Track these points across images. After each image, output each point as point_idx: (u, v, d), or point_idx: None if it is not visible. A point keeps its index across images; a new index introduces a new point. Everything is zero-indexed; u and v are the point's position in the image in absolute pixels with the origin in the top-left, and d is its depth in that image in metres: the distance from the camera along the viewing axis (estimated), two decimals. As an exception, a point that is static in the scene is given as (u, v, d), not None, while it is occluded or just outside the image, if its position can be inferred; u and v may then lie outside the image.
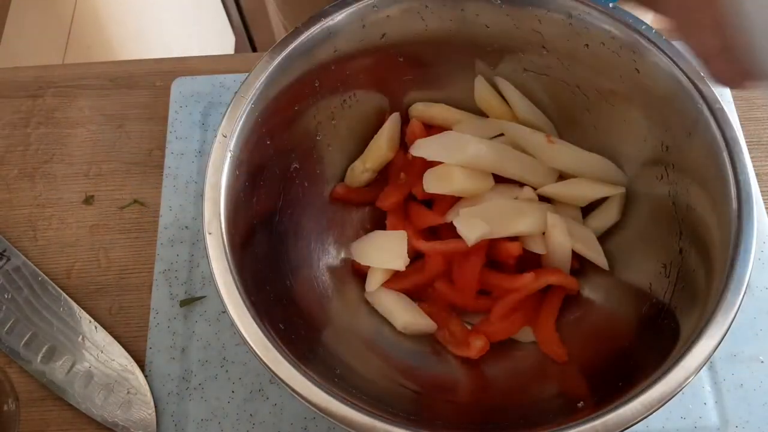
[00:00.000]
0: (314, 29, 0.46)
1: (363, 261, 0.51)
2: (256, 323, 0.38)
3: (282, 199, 0.48)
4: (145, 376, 0.51)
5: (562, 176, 0.51)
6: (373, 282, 0.50)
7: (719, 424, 0.49)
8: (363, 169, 0.53)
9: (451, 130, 0.52)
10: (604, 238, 0.50)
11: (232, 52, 1.60)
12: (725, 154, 0.41)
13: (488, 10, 0.48)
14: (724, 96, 0.60)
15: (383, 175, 0.54)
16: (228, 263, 0.40)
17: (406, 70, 0.52)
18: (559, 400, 0.44)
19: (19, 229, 0.58)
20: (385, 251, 0.50)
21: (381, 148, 0.53)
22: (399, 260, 0.49)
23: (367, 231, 0.53)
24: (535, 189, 0.50)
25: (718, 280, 0.38)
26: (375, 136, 0.54)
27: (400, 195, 0.53)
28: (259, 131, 0.44)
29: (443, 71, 0.53)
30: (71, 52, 1.45)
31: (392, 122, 0.53)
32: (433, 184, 0.49)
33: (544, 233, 0.49)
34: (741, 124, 0.59)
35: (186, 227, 0.57)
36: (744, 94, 0.61)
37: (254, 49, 1.65)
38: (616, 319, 0.48)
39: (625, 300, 0.48)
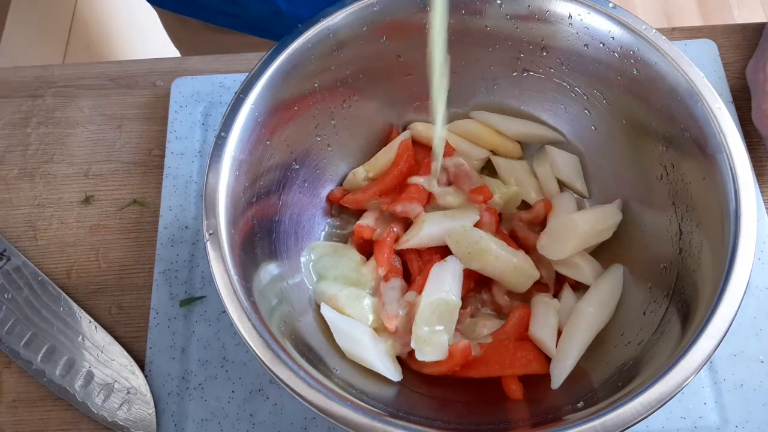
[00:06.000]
0: (314, 29, 0.46)
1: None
2: (256, 323, 0.38)
3: (282, 199, 0.48)
4: (145, 376, 0.51)
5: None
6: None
7: (719, 424, 0.49)
8: (365, 177, 0.53)
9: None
10: (604, 243, 0.50)
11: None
12: (724, 154, 0.41)
13: (488, 10, 0.48)
14: (724, 96, 0.60)
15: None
16: (228, 263, 0.40)
17: (406, 70, 0.52)
18: (560, 400, 0.44)
19: (19, 229, 0.58)
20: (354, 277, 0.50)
21: (389, 162, 0.53)
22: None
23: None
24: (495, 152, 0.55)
25: (718, 280, 0.38)
26: (384, 149, 0.54)
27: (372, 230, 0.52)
28: (258, 131, 0.45)
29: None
30: (71, 52, 1.45)
31: (404, 137, 0.53)
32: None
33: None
34: (741, 124, 0.59)
35: (186, 227, 0.57)
36: (743, 94, 0.61)
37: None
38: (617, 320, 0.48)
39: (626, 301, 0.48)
